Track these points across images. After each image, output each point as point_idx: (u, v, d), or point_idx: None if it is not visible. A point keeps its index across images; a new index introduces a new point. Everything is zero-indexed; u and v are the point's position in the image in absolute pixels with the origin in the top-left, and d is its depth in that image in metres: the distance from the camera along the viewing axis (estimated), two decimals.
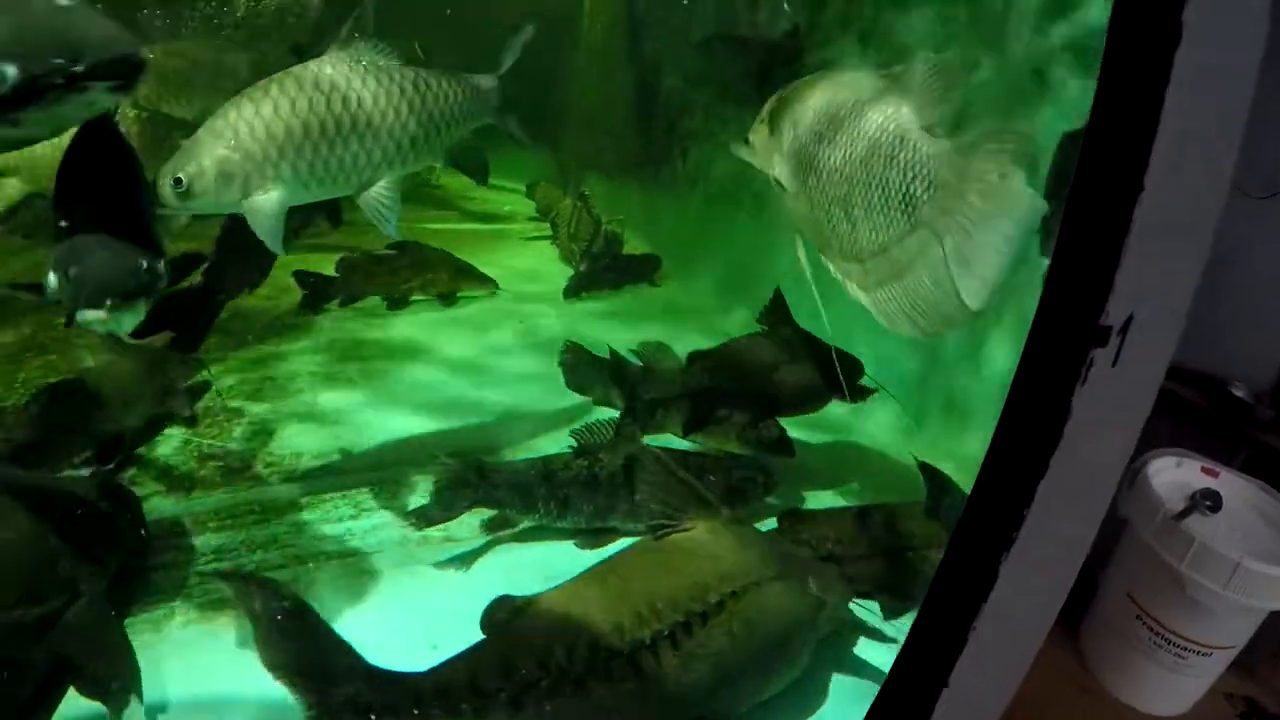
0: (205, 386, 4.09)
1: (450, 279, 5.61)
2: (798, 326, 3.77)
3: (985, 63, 4.05)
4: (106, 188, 2.14)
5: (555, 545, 3.29)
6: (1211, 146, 1.08)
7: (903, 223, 2.42)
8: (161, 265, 2.09)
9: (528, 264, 6.77)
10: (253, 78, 2.65)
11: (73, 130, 2.13)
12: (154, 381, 3.62)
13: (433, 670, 2.14)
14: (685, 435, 3.73)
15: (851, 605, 2.82)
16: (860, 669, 2.80)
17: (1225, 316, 2.95)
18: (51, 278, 2.01)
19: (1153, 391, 1.21)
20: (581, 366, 4.19)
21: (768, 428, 3.73)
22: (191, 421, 3.79)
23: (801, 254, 2.83)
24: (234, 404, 4.06)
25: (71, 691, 2.20)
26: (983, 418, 3.99)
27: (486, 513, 3.29)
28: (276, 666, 2.07)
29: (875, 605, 2.97)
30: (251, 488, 3.46)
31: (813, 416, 3.95)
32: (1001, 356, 3.89)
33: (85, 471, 3.21)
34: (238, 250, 3.64)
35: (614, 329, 5.36)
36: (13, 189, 3.23)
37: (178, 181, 2.46)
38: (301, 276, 4.97)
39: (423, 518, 3.14)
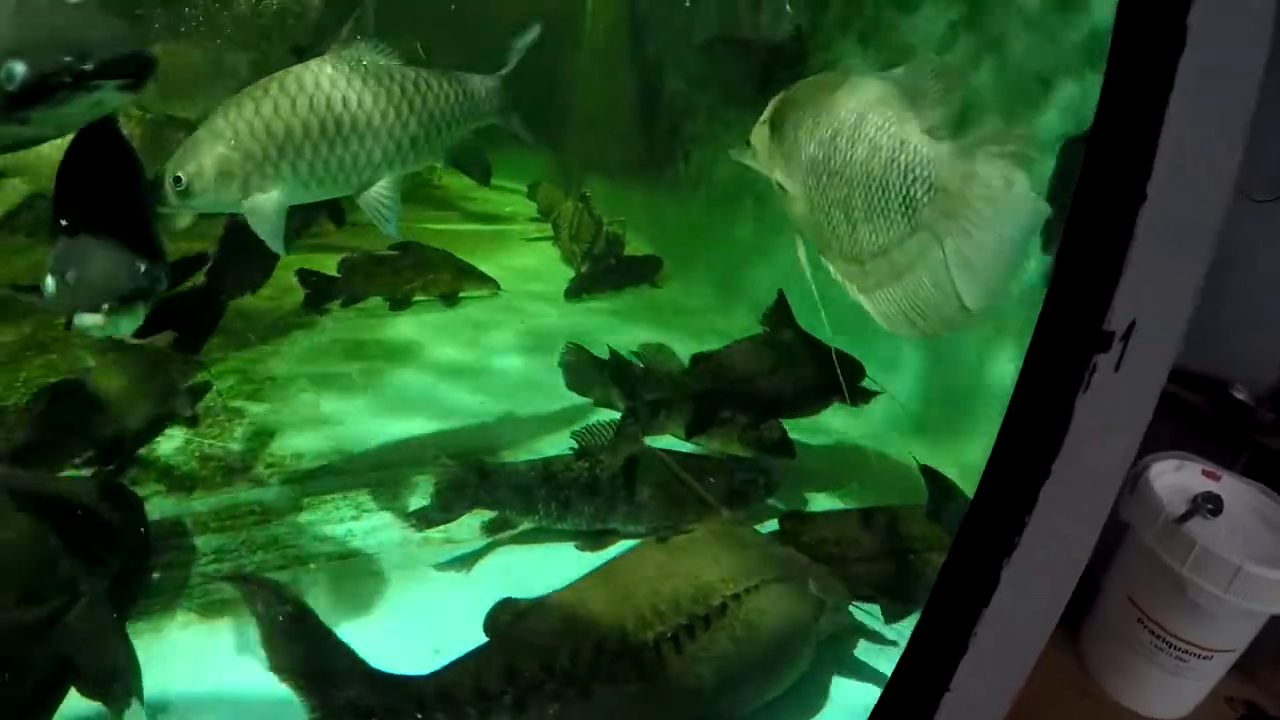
0: (206, 387, 4.09)
1: (452, 280, 5.61)
2: (800, 329, 3.77)
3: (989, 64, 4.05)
4: (107, 189, 2.14)
5: (556, 547, 3.28)
6: (1215, 151, 1.08)
7: (903, 225, 2.42)
8: (160, 268, 2.08)
9: (529, 265, 6.76)
10: (254, 78, 2.64)
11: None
12: (155, 382, 3.62)
13: (435, 673, 2.14)
14: (688, 438, 3.73)
15: (853, 608, 2.82)
16: (861, 672, 2.79)
17: (1227, 319, 2.95)
18: (49, 280, 2.00)
19: (1155, 396, 1.20)
20: (582, 367, 4.20)
21: (769, 429, 3.73)
22: (193, 422, 3.79)
23: (802, 256, 2.83)
24: (235, 404, 4.06)
25: (72, 692, 2.19)
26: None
27: (487, 514, 3.29)
28: (280, 669, 2.07)
29: (876, 608, 2.97)
30: (252, 488, 3.46)
31: (815, 418, 3.95)
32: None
33: (86, 472, 3.21)
34: (240, 251, 3.65)
35: (615, 330, 5.36)
36: (17, 190, 3.23)
37: (177, 180, 2.46)
38: (304, 275, 4.97)
39: (423, 519, 3.14)
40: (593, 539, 3.30)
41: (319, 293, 5.05)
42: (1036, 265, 2.51)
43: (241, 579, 2.56)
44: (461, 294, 5.69)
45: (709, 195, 6.53)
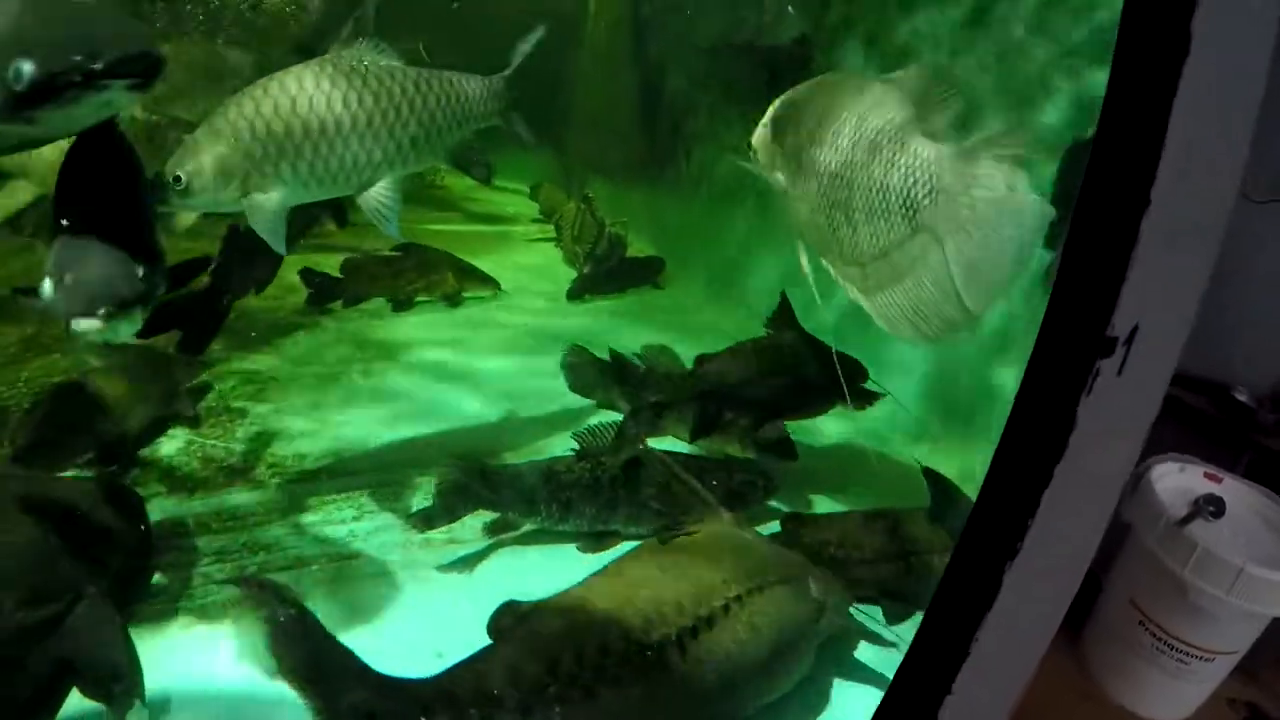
0: (207, 387, 4.10)
1: (454, 280, 5.62)
2: (802, 330, 3.77)
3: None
4: (107, 192, 2.12)
5: (558, 548, 3.28)
6: (1219, 156, 1.08)
7: (903, 227, 2.43)
8: (159, 272, 2.07)
9: (532, 266, 6.77)
10: (256, 78, 2.65)
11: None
12: (157, 383, 3.63)
13: (439, 676, 2.13)
14: (692, 440, 3.73)
15: (855, 610, 2.82)
16: (863, 674, 2.79)
17: (1228, 321, 2.95)
18: (47, 283, 1.97)
19: (1157, 400, 1.21)
20: (584, 369, 4.21)
21: (770, 431, 3.73)
22: (195, 422, 3.79)
23: (803, 257, 2.83)
24: (237, 405, 4.06)
25: (74, 693, 2.19)
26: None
27: (489, 515, 3.29)
28: (283, 672, 2.06)
29: (878, 610, 2.97)
30: (254, 489, 3.46)
31: (817, 420, 3.96)
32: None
33: (88, 473, 3.21)
34: (244, 251, 3.64)
35: (617, 331, 5.36)
36: (22, 191, 3.23)
37: (177, 179, 2.46)
38: (307, 275, 4.97)
39: (425, 520, 3.13)
40: (594, 540, 3.30)
41: (322, 293, 5.05)
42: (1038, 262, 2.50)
43: (245, 581, 2.56)
44: (464, 294, 5.70)
45: (711, 196, 6.54)
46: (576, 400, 4.25)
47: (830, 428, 4.28)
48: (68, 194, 2.11)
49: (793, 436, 3.87)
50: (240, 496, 3.39)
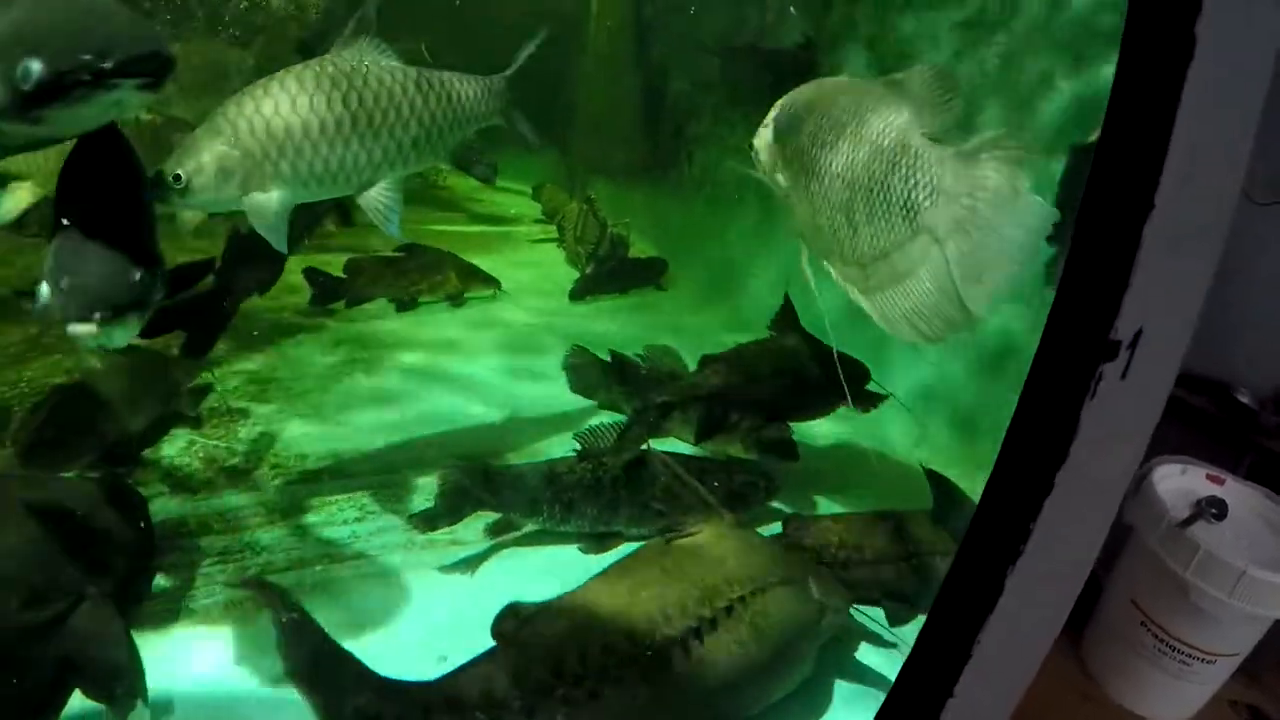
0: (207, 388, 4.10)
1: (457, 281, 5.63)
2: (805, 332, 3.77)
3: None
4: (107, 195, 2.09)
5: (560, 549, 3.29)
6: (1223, 159, 1.08)
7: (904, 228, 2.43)
8: (157, 278, 2.02)
9: (534, 266, 6.77)
10: (257, 79, 2.65)
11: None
12: (158, 383, 3.62)
13: (443, 679, 2.13)
14: (697, 442, 3.73)
15: (857, 612, 2.82)
16: (865, 675, 2.80)
17: (1231, 322, 2.95)
18: (43, 287, 1.93)
19: (1161, 404, 1.21)
20: (587, 370, 4.21)
21: (773, 432, 3.73)
22: (196, 423, 3.80)
23: (804, 258, 2.84)
24: (239, 405, 4.06)
25: (77, 694, 2.20)
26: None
27: (491, 516, 3.30)
28: (289, 674, 2.07)
29: (880, 612, 2.97)
30: (256, 490, 3.46)
31: (820, 421, 3.96)
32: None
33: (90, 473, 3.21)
34: (248, 252, 3.64)
35: (620, 332, 5.36)
36: (27, 193, 3.23)
37: (177, 178, 2.46)
38: (312, 274, 4.98)
39: (427, 521, 3.13)
40: (596, 541, 3.30)
41: (326, 293, 5.05)
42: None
43: (247, 583, 2.56)
44: (467, 294, 5.71)
45: (713, 197, 6.54)
46: (578, 401, 4.25)
47: (832, 428, 4.28)
48: (68, 196, 2.08)
49: (794, 437, 3.87)
50: (242, 497, 3.39)
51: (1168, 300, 1.12)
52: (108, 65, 1.67)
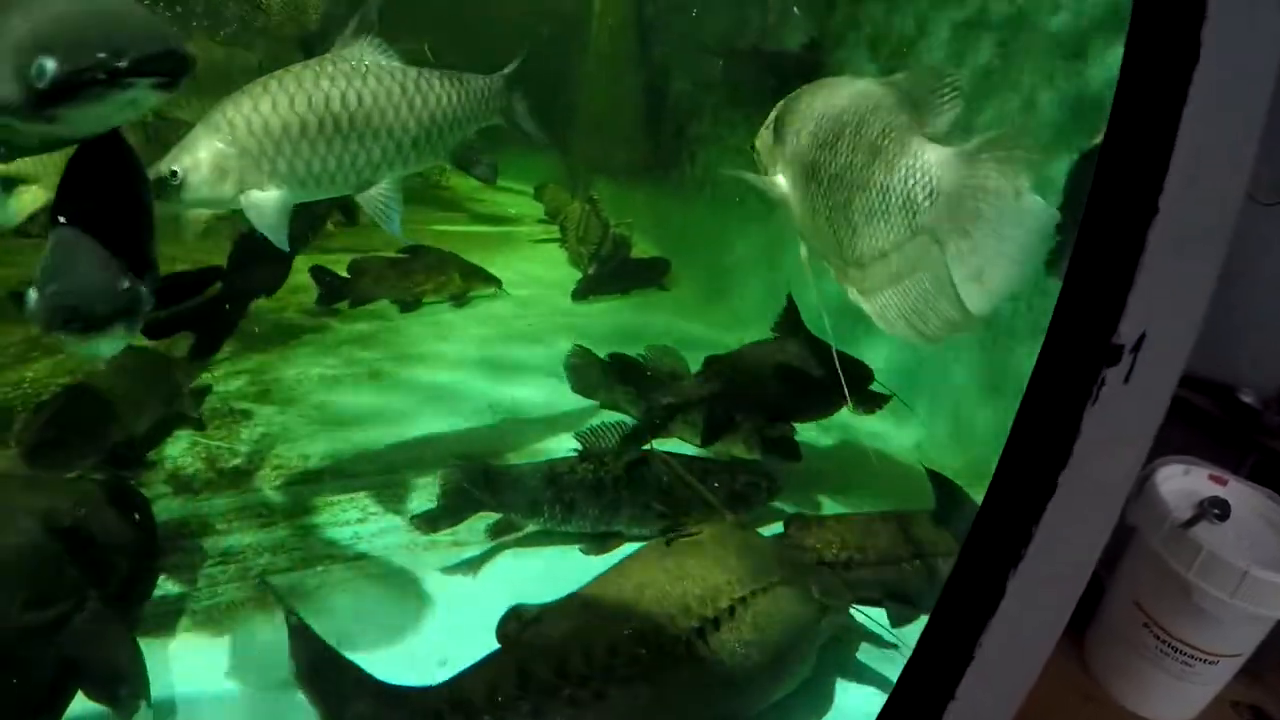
0: (207, 389, 4.10)
1: (461, 281, 5.64)
2: (808, 332, 3.77)
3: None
4: (106, 200, 2.05)
5: (562, 550, 3.29)
6: (1227, 162, 1.08)
7: (904, 228, 2.42)
8: (147, 286, 1.96)
9: (536, 266, 6.77)
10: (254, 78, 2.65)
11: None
12: (162, 384, 3.63)
13: (448, 683, 2.13)
14: (704, 445, 3.73)
15: (859, 612, 2.82)
16: (866, 677, 2.80)
17: (1234, 323, 2.94)
18: (32, 293, 1.86)
19: (1163, 407, 1.20)
20: (588, 370, 4.21)
21: (776, 433, 3.73)
22: (199, 424, 3.80)
23: (804, 258, 2.84)
24: (242, 406, 4.07)
25: (79, 696, 2.20)
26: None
27: (492, 517, 3.30)
28: (295, 678, 2.08)
29: (882, 612, 2.97)
30: (258, 490, 3.46)
31: (823, 422, 3.96)
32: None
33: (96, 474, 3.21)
34: (255, 254, 3.64)
35: (622, 332, 5.36)
36: (34, 196, 3.22)
37: (173, 175, 2.46)
38: (319, 273, 4.98)
39: (429, 522, 3.14)
40: (597, 542, 3.30)
41: (332, 292, 5.05)
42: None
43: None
44: (470, 294, 5.71)
45: (715, 197, 6.54)
46: (580, 401, 4.25)
47: (833, 429, 4.28)
48: (66, 200, 2.04)
49: (798, 438, 3.87)
50: (245, 498, 3.40)
51: (1171, 304, 1.12)
52: (123, 64, 1.64)
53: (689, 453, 3.77)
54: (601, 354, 4.20)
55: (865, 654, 2.86)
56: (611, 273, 6.30)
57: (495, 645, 2.28)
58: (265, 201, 2.55)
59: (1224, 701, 2.88)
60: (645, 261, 6.56)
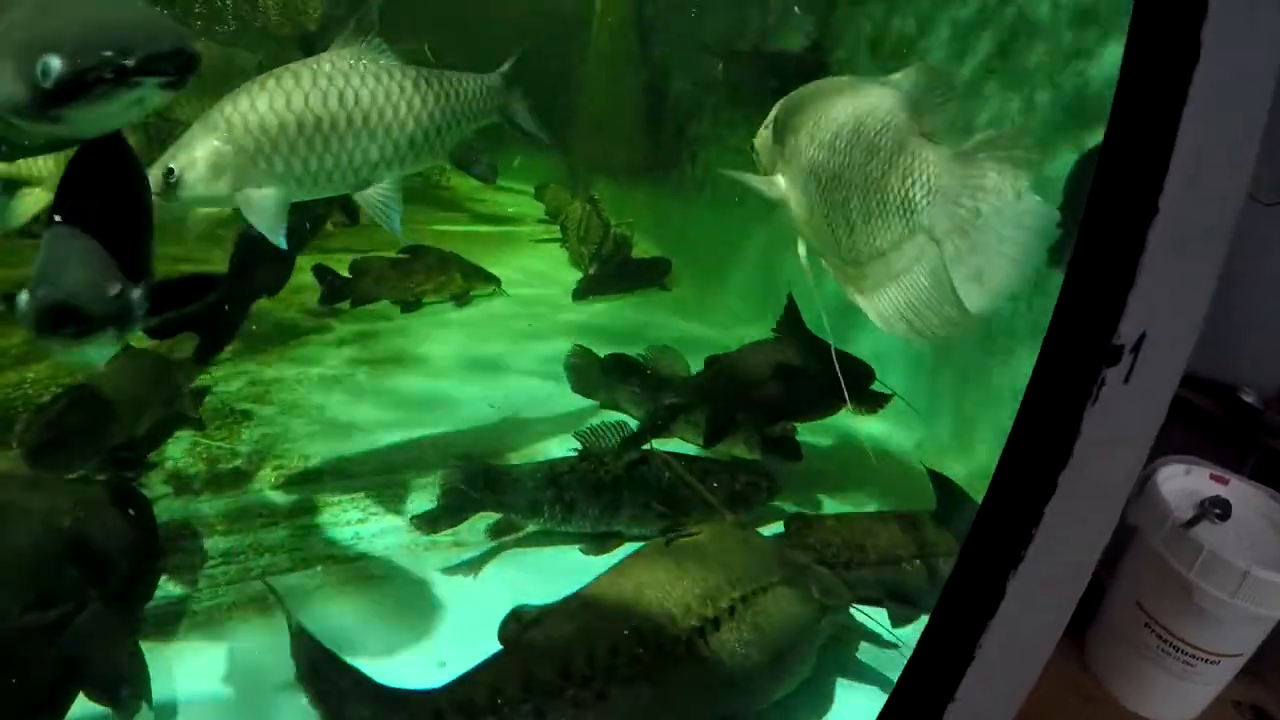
0: (206, 390, 4.10)
1: (462, 281, 5.64)
2: (809, 332, 3.77)
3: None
4: (103, 204, 2.01)
5: (562, 550, 3.29)
6: (1228, 163, 1.08)
7: (901, 227, 2.43)
8: (140, 291, 1.91)
9: (537, 266, 6.77)
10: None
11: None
12: (162, 385, 3.63)
13: (450, 685, 2.13)
14: (707, 446, 3.73)
15: (860, 612, 2.82)
16: (867, 675, 2.79)
17: (1235, 322, 2.94)
18: (23, 295, 1.80)
19: (1164, 408, 1.20)
20: (588, 370, 4.21)
21: (776, 433, 3.73)
22: (199, 425, 3.80)
23: (803, 257, 2.84)
24: (243, 406, 4.07)
25: (81, 697, 2.20)
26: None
27: (493, 517, 3.30)
28: (297, 680, 2.08)
29: (883, 612, 2.97)
30: (259, 491, 3.46)
31: (824, 421, 3.95)
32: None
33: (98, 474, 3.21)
34: (257, 254, 3.64)
35: (622, 332, 5.36)
36: (38, 198, 3.22)
37: (169, 172, 2.46)
38: (321, 272, 4.98)
39: (429, 523, 3.14)
40: (597, 542, 3.30)
41: (334, 292, 5.05)
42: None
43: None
44: (472, 294, 5.72)
45: (716, 197, 6.53)
46: (580, 401, 4.25)
47: (835, 428, 4.27)
48: (64, 203, 2.00)
49: (799, 438, 3.87)
50: (245, 498, 3.40)
51: (1172, 304, 1.12)
52: (130, 63, 1.62)
53: (690, 453, 3.77)
54: (602, 354, 4.20)
55: (865, 654, 2.86)
56: (612, 272, 6.30)
57: (495, 645, 2.27)
58: (261, 199, 2.55)
59: (1225, 701, 2.88)
60: (646, 261, 6.55)
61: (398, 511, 3.40)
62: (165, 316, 2.02)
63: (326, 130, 2.58)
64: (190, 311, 2.07)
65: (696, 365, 4.01)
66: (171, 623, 2.73)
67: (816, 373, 3.66)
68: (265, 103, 2.53)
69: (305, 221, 3.78)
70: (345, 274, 5.07)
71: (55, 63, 1.60)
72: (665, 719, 2.28)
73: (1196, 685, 2.79)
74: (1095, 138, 3.31)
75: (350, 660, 2.16)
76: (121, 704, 2.18)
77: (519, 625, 2.31)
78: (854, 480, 3.94)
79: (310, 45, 4.80)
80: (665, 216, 7.21)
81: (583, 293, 6.13)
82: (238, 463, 3.62)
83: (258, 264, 3.72)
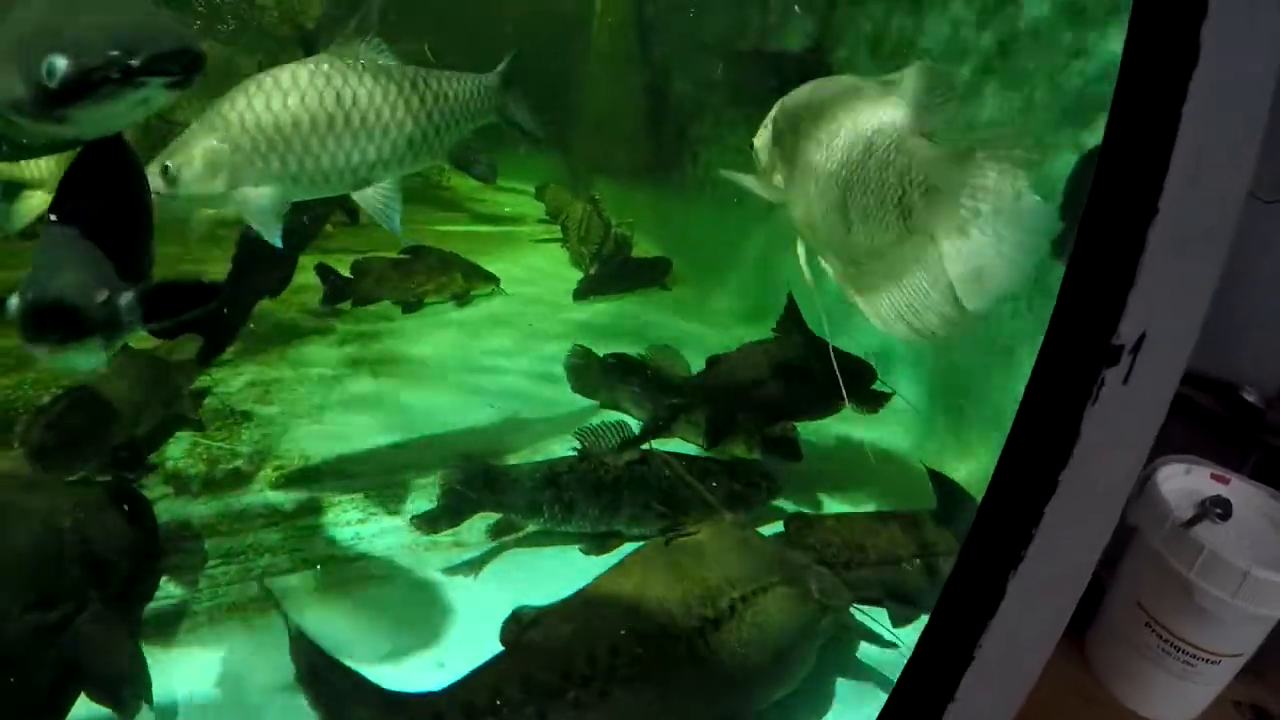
0: (205, 391, 4.10)
1: (463, 281, 5.65)
2: (809, 332, 3.77)
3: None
4: (102, 207, 1.99)
5: (562, 550, 3.29)
6: (1228, 163, 1.08)
7: (898, 227, 2.43)
8: (133, 296, 1.86)
9: (538, 266, 6.77)
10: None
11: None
12: (162, 386, 3.63)
13: (451, 687, 2.13)
14: (708, 447, 3.73)
15: (860, 612, 2.82)
16: (867, 675, 2.79)
17: (1236, 321, 2.94)
18: (13, 299, 1.75)
19: (1164, 408, 1.20)
20: (588, 370, 4.21)
21: (777, 433, 3.73)
22: (200, 425, 3.80)
23: (802, 257, 2.84)
24: (243, 407, 4.07)
25: (82, 697, 2.20)
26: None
27: (493, 517, 3.30)
28: (298, 681, 2.08)
29: (883, 612, 2.97)
30: (259, 491, 3.46)
31: (825, 421, 3.95)
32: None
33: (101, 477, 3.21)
34: (259, 255, 3.64)
35: (623, 332, 5.36)
36: (40, 201, 3.22)
37: (165, 170, 2.46)
38: (324, 272, 4.98)
39: (429, 523, 3.14)
40: (597, 542, 3.30)
41: (335, 291, 5.05)
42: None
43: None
44: (472, 294, 5.72)
45: (716, 197, 6.53)
46: (580, 401, 4.25)
47: (836, 428, 4.27)
48: (64, 203, 1.99)
49: (799, 437, 3.87)
50: (246, 499, 3.40)
51: (1172, 304, 1.11)
52: (135, 62, 1.61)
53: (690, 452, 3.76)
54: (602, 353, 4.19)
55: (865, 654, 2.86)
56: (613, 272, 6.30)
57: (496, 646, 2.27)
58: (258, 198, 2.55)
59: (1226, 701, 2.87)
60: (647, 261, 6.55)
61: (398, 512, 3.40)
62: (161, 324, 2.01)
63: (324, 130, 2.59)
64: (189, 318, 2.04)
65: (697, 365, 4.01)
66: (172, 623, 2.73)
67: (816, 372, 3.66)
68: (263, 102, 2.53)
69: (304, 221, 3.79)
70: (345, 274, 5.08)
71: (61, 62, 1.59)
72: (664, 719, 2.28)
73: (1197, 685, 2.78)
74: (1095, 138, 3.31)
75: (350, 661, 2.16)
76: (122, 704, 2.18)
77: (519, 626, 2.31)
78: (854, 480, 3.94)
79: (310, 45, 4.80)
80: (666, 216, 7.21)
81: (583, 292, 6.13)
82: (238, 463, 3.62)
83: (259, 265, 3.72)
